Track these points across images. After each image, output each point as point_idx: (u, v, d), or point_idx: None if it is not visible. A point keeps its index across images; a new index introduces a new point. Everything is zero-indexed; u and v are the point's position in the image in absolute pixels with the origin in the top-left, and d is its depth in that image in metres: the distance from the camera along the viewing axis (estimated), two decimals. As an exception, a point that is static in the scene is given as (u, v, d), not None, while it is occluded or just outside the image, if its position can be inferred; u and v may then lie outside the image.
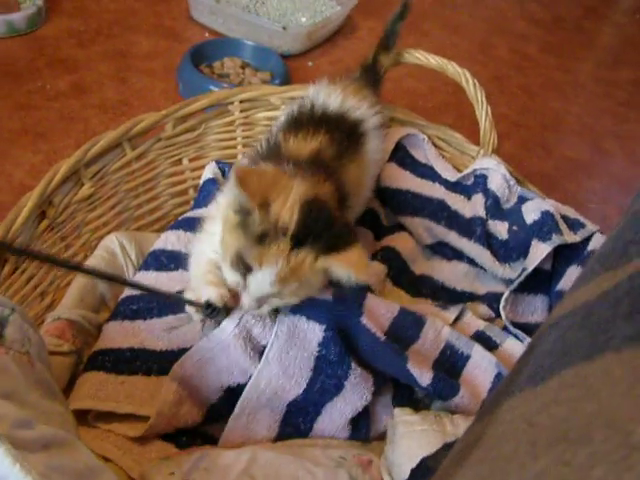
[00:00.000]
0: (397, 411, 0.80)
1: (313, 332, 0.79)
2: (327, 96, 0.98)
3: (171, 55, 1.73)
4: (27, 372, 0.59)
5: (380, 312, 0.84)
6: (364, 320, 0.81)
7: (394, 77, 1.81)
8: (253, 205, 0.68)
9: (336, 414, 0.81)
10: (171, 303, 0.88)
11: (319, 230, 0.70)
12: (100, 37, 1.76)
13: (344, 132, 0.92)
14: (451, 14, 2.35)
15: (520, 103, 1.91)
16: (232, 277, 0.74)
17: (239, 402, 0.78)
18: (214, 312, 0.76)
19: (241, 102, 1.14)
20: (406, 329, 0.85)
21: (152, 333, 0.86)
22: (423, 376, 0.80)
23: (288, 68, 1.71)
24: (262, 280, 0.70)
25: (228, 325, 0.79)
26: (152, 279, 0.94)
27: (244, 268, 0.71)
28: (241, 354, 0.78)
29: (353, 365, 0.79)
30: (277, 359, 0.78)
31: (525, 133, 1.78)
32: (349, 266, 0.70)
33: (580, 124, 1.89)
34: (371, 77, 1.12)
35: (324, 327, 0.79)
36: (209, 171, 1.11)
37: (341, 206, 0.80)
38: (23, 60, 1.61)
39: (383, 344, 0.80)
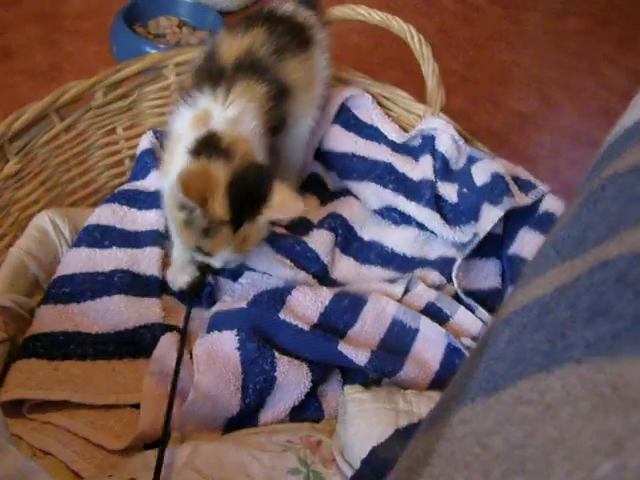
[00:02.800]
0: (347, 388, 0.78)
1: (228, 340, 0.80)
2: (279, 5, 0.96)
3: (104, 14, 1.62)
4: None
5: (306, 305, 0.85)
6: (282, 316, 0.82)
7: (339, 33, 1.74)
8: (195, 206, 0.75)
9: (279, 405, 0.79)
10: (104, 284, 0.88)
11: (249, 203, 0.78)
12: (26, -4, 1.66)
13: (288, 28, 0.92)
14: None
15: (468, 56, 1.87)
16: (199, 258, 0.84)
17: (180, 414, 0.76)
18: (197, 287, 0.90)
19: (176, 65, 1.07)
20: (341, 314, 0.85)
21: (87, 316, 0.84)
22: (359, 355, 0.79)
23: (228, 26, 1.64)
24: (222, 257, 0.82)
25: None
26: (84, 256, 0.90)
27: (204, 253, 0.81)
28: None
29: (277, 355, 0.79)
30: (207, 379, 0.77)
31: (473, 87, 1.75)
32: (283, 210, 0.81)
33: (528, 76, 1.86)
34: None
35: (235, 331, 0.80)
36: (146, 141, 1.06)
37: (281, 101, 0.89)
38: (-60, 24, 1.50)
39: (307, 333, 0.81)
